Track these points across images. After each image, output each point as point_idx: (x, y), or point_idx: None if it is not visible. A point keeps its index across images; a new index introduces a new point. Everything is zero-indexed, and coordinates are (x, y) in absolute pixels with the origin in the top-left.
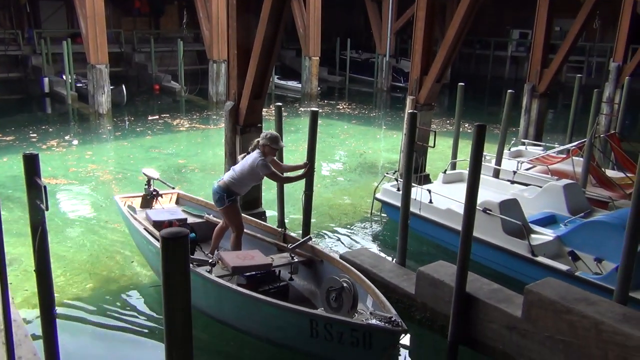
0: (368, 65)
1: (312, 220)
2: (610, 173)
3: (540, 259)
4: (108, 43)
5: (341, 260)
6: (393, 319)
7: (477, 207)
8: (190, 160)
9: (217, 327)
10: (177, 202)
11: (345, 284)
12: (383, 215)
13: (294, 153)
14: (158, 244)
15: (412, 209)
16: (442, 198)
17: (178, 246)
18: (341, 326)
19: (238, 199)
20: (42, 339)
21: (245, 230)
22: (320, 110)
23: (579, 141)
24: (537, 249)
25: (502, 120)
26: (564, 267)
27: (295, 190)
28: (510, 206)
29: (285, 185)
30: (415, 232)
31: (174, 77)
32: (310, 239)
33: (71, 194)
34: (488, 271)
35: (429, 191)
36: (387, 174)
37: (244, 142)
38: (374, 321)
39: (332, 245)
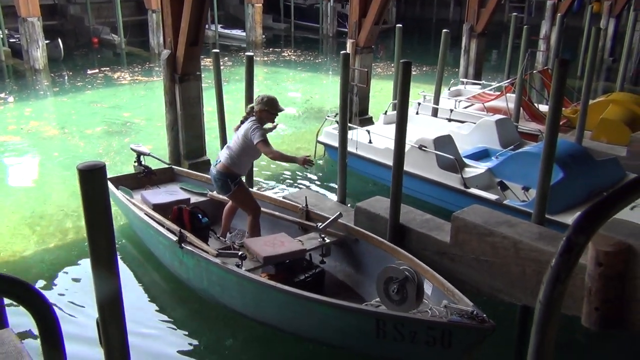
0: (313, 11)
1: (256, 168)
2: (543, 108)
3: (472, 190)
4: None
5: (383, 240)
6: (475, 314)
7: (413, 145)
8: (135, 113)
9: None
10: (172, 180)
11: (407, 274)
12: (327, 158)
13: (239, 101)
14: (171, 237)
15: (353, 150)
16: (381, 138)
17: (96, 177)
18: (415, 325)
19: (243, 178)
20: None
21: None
22: (266, 59)
23: (512, 78)
24: (469, 181)
25: (438, 59)
26: (493, 196)
27: None
28: (444, 142)
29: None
30: (357, 171)
31: (113, 30)
32: (340, 215)
33: (15, 151)
34: (425, 205)
35: (368, 132)
36: (328, 117)
37: (183, 91)
38: (453, 317)
39: (277, 189)
